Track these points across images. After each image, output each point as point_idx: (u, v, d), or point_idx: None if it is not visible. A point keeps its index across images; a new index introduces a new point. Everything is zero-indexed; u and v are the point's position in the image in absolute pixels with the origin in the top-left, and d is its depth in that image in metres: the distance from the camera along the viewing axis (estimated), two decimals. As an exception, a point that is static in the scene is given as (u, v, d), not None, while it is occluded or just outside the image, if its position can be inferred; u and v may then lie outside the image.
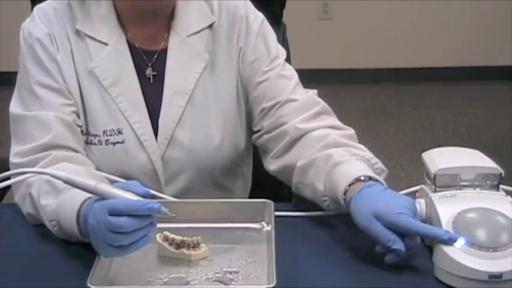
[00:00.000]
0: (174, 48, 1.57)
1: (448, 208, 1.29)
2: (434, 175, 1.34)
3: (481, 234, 1.21)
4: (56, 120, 1.50)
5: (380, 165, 1.47)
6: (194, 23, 1.59)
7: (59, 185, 1.32)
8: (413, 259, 1.28)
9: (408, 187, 1.49)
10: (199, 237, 1.31)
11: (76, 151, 1.51)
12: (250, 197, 1.74)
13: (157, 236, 1.31)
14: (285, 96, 1.57)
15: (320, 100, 1.59)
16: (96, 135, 1.55)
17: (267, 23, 1.63)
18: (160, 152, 1.56)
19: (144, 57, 1.57)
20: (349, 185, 1.34)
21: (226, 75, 1.60)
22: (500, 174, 1.34)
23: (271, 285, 1.16)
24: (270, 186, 1.71)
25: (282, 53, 1.64)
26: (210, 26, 1.59)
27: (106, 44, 1.55)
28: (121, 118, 1.54)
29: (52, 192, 1.35)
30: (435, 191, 1.34)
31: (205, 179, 1.61)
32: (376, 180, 1.34)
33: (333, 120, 1.58)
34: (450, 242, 1.22)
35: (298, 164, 1.49)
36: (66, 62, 1.54)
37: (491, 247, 1.20)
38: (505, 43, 5.10)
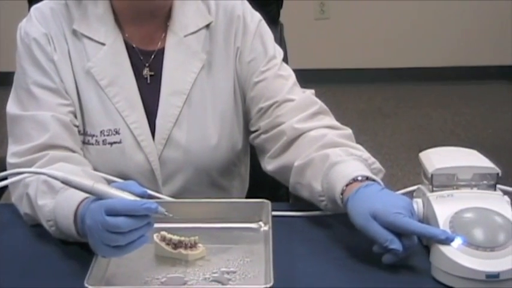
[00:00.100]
0: (171, 48, 1.57)
1: (445, 208, 1.29)
2: (432, 175, 1.34)
3: (478, 234, 1.22)
4: (53, 120, 1.50)
5: (377, 165, 1.47)
6: (191, 23, 1.59)
7: (56, 185, 1.32)
8: (411, 259, 1.28)
9: (405, 187, 1.49)
10: (197, 237, 1.31)
11: (73, 151, 1.51)
12: (247, 197, 1.74)
13: (155, 236, 1.31)
14: (282, 96, 1.57)
15: (317, 100, 1.59)
16: (93, 135, 1.55)
17: (264, 23, 1.63)
18: (157, 152, 1.56)
19: (141, 57, 1.57)
20: (347, 185, 1.34)
21: (224, 75, 1.60)
22: (497, 174, 1.35)
23: (268, 285, 1.16)
24: (268, 186, 1.71)
25: (279, 53, 1.64)
26: (207, 26, 1.59)
27: (103, 44, 1.55)
28: (118, 118, 1.54)
29: (49, 192, 1.35)
30: (432, 191, 1.34)
31: (203, 179, 1.61)
32: (374, 180, 1.34)
33: (330, 120, 1.58)
34: (447, 241, 1.22)
35: (296, 164, 1.49)
36: (63, 62, 1.54)
37: (489, 247, 1.20)
38: (502, 43, 5.10)
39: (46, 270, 1.29)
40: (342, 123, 1.58)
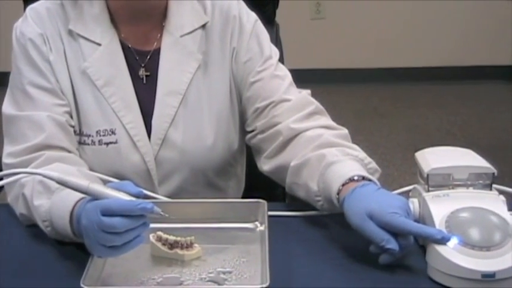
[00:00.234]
0: (167, 49, 1.57)
1: (441, 207, 1.29)
2: (428, 175, 1.34)
3: (474, 234, 1.22)
4: (48, 120, 1.50)
5: (373, 165, 1.47)
6: (187, 23, 1.58)
7: (52, 185, 1.32)
8: (407, 258, 1.28)
9: (401, 187, 1.49)
10: (193, 237, 1.31)
11: (69, 151, 1.51)
12: (243, 197, 1.74)
13: (151, 236, 1.31)
14: (278, 96, 1.57)
15: (313, 100, 1.60)
16: (89, 136, 1.55)
17: (260, 23, 1.63)
18: (153, 152, 1.56)
19: (137, 58, 1.57)
20: (343, 185, 1.34)
21: (220, 75, 1.60)
22: (493, 173, 1.35)
23: (264, 285, 1.16)
24: (264, 186, 1.71)
25: (275, 53, 1.64)
26: (203, 26, 1.59)
27: (99, 44, 1.55)
28: (114, 118, 1.54)
29: (45, 192, 1.35)
30: (428, 191, 1.34)
31: (199, 179, 1.61)
32: (370, 180, 1.35)
33: (327, 120, 1.58)
34: (443, 241, 1.22)
35: (292, 164, 1.49)
36: (59, 62, 1.54)
37: (484, 246, 1.20)
38: (498, 43, 5.11)
39: (42, 271, 1.29)
40: (338, 123, 1.58)
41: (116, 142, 1.54)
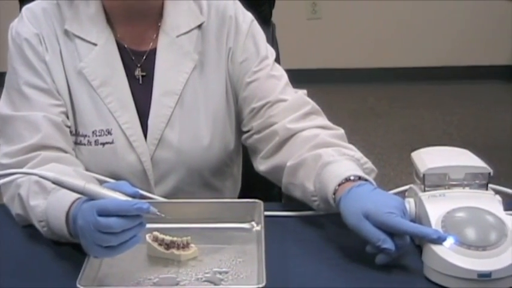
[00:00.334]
0: (163, 49, 1.57)
1: (437, 207, 1.29)
2: (424, 174, 1.34)
3: (470, 233, 1.22)
4: (44, 120, 1.49)
5: (369, 165, 1.47)
6: (183, 23, 1.58)
7: (48, 185, 1.32)
8: (403, 258, 1.28)
9: (397, 186, 1.50)
10: (189, 238, 1.31)
11: (65, 151, 1.51)
12: (240, 197, 1.74)
13: (147, 236, 1.31)
14: (274, 96, 1.57)
15: (310, 100, 1.60)
16: (86, 136, 1.55)
17: (256, 23, 1.63)
18: (149, 152, 1.56)
19: (133, 58, 1.57)
20: (339, 185, 1.34)
21: (216, 75, 1.60)
22: (489, 173, 1.35)
23: (261, 285, 1.16)
24: (260, 186, 1.71)
25: (272, 53, 1.64)
26: (199, 26, 1.59)
27: (95, 44, 1.55)
28: (110, 118, 1.54)
29: (41, 192, 1.35)
30: (424, 191, 1.35)
31: (195, 179, 1.61)
32: (366, 180, 1.35)
33: (323, 120, 1.58)
34: (439, 241, 1.22)
35: (288, 164, 1.49)
36: (55, 62, 1.54)
37: (480, 246, 1.20)
38: (495, 43, 5.12)
39: (38, 271, 1.29)
40: (334, 123, 1.58)
41: (112, 142, 1.54)
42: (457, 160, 1.38)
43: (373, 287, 1.24)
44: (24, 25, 1.54)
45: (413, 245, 1.31)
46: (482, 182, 1.35)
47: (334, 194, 1.34)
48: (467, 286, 1.19)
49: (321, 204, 1.41)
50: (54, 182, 1.24)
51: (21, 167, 1.43)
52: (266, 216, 1.39)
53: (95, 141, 1.54)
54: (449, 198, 1.31)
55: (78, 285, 1.16)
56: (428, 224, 1.27)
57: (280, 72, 1.63)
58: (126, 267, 1.28)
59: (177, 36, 1.58)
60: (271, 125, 1.55)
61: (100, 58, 1.55)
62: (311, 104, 1.58)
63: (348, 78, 5.07)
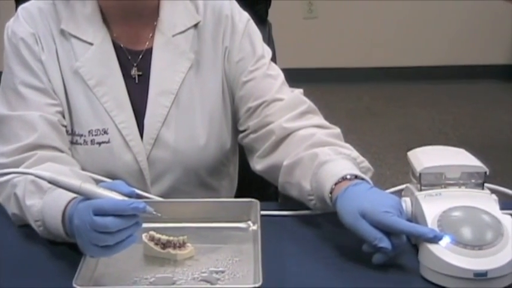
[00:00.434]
0: (159, 48, 1.57)
1: (433, 206, 1.29)
2: (420, 174, 1.34)
3: (466, 233, 1.22)
4: (41, 120, 1.49)
5: (366, 164, 1.48)
6: (179, 23, 1.58)
7: (44, 185, 1.32)
8: (399, 258, 1.28)
9: (394, 186, 1.50)
10: (185, 237, 1.31)
11: (61, 151, 1.51)
12: (236, 197, 1.74)
13: (143, 235, 1.31)
14: (271, 95, 1.57)
15: (306, 99, 1.60)
16: (82, 135, 1.55)
17: (252, 23, 1.63)
18: (145, 151, 1.55)
19: (129, 57, 1.57)
20: (335, 184, 1.34)
21: (212, 74, 1.60)
22: (485, 172, 1.35)
23: (257, 285, 1.16)
24: (256, 186, 1.71)
25: (268, 52, 1.64)
26: (195, 26, 1.59)
27: (91, 43, 1.55)
28: (106, 118, 1.54)
29: (37, 192, 1.35)
30: (420, 190, 1.35)
31: (191, 179, 1.61)
32: (362, 179, 1.35)
33: (319, 119, 1.58)
34: (436, 240, 1.22)
35: (285, 163, 1.49)
36: (51, 62, 1.54)
37: (477, 245, 1.20)
38: (491, 42, 5.12)
39: (34, 271, 1.29)
40: (331, 123, 1.58)
41: (108, 142, 1.54)
42: (453, 159, 1.38)
43: (369, 286, 1.24)
44: (20, 25, 1.54)
45: (409, 244, 1.31)
46: (478, 181, 1.35)
47: (330, 193, 1.34)
48: (464, 285, 1.19)
49: (317, 203, 1.41)
50: (50, 182, 1.24)
51: (17, 167, 1.42)
52: (262, 216, 1.39)
53: (91, 140, 1.54)
54: (445, 198, 1.31)
55: (74, 285, 1.16)
56: (425, 223, 1.27)
57: (276, 71, 1.63)
58: (123, 266, 1.27)
59: (173, 36, 1.58)
60: (268, 124, 1.55)
61: (96, 57, 1.54)
62: (307, 103, 1.58)
63: (344, 77, 5.07)
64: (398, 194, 1.42)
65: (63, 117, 1.54)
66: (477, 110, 4.70)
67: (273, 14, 1.97)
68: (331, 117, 1.62)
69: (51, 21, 1.55)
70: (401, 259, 1.28)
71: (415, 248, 1.29)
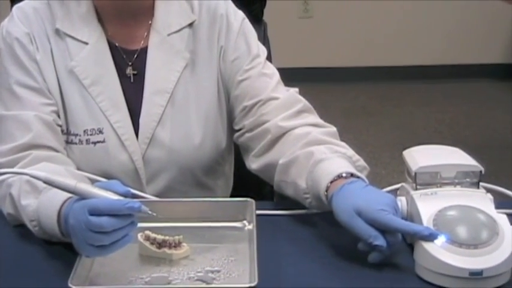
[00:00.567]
0: (154, 47, 1.57)
1: (428, 206, 1.29)
2: (415, 173, 1.34)
3: (462, 232, 1.22)
4: (36, 119, 1.49)
5: (362, 162, 1.48)
6: (174, 22, 1.58)
7: (39, 185, 1.31)
8: (395, 257, 1.28)
9: (389, 185, 1.50)
10: (181, 237, 1.31)
11: (56, 151, 1.50)
12: (232, 196, 1.74)
13: (139, 235, 1.31)
14: (266, 94, 1.57)
15: (301, 98, 1.60)
16: (77, 135, 1.54)
17: (247, 22, 1.63)
18: (141, 151, 1.55)
19: (124, 56, 1.57)
20: (331, 182, 1.34)
21: (207, 74, 1.60)
22: (481, 171, 1.35)
23: (253, 284, 1.16)
24: (252, 185, 1.71)
25: (263, 51, 1.64)
26: (191, 25, 1.59)
27: (86, 43, 1.54)
28: (101, 117, 1.54)
29: (32, 192, 1.34)
30: (416, 189, 1.35)
31: (187, 178, 1.61)
32: (358, 177, 1.35)
33: (315, 118, 1.58)
34: (431, 238, 1.22)
35: (280, 162, 1.49)
36: (46, 62, 1.54)
37: (472, 244, 1.20)
38: (486, 42, 5.13)
39: (30, 271, 1.29)
40: (326, 122, 1.58)
41: (103, 141, 1.54)
42: (449, 158, 1.38)
43: (365, 285, 1.24)
44: (14, 24, 1.54)
45: (405, 243, 1.31)
46: (473, 180, 1.36)
47: (326, 191, 1.34)
48: (459, 284, 1.19)
49: (313, 201, 1.41)
50: (45, 182, 1.23)
51: (12, 167, 1.42)
52: (258, 215, 1.39)
53: (86, 140, 1.54)
54: (440, 197, 1.31)
55: (69, 285, 1.16)
56: (420, 223, 1.27)
57: (271, 70, 1.63)
58: (118, 266, 1.27)
59: (168, 35, 1.57)
60: (263, 123, 1.55)
61: (91, 57, 1.54)
62: (303, 102, 1.58)
63: (340, 76, 5.07)
64: (394, 193, 1.42)
65: (58, 116, 1.54)
66: (472, 109, 4.70)
67: (269, 14, 1.97)
68: (326, 116, 1.62)
69: (46, 20, 1.55)
70: (397, 258, 1.28)
71: (411, 247, 1.29)
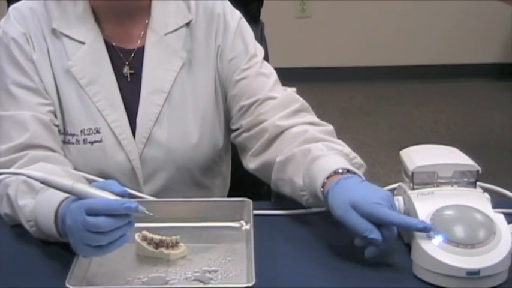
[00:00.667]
0: (151, 47, 1.57)
1: (426, 205, 1.29)
2: (412, 173, 1.34)
3: (459, 231, 1.22)
4: (32, 119, 1.49)
5: (358, 160, 1.48)
6: (171, 21, 1.58)
7: (36, 185, 1.31)
8: (392, 256, 1.28)
9: (386, 185, 1.49)
10: (178, 237, 1.31)
11: (53, 151, 1.50)
12: (229, 196, 1.74)
13: (136, 235, 1.31)
14: (264, 94, 1.57)
15: (299, 97, 1.60)
16: (74, 135, 1.54)
17: (244, 21, 1.63)
18: (138, 150, 1.55)
19: (121, 55, 1.57)
20: (327, 178, 1.34)
21: (204, 73, 1.60)
22: (478, 171, 1.35)
23: (250, 284, 1.16)
24: (249, 185, 1.71)
25: (260, 51, 1.64)
26: (188, 24, 1.59)
27: (83, 42, 1.54)
28: (98, 117, 1.54)
29: (29, 192, 1.34)
30: (413, 189, 1.35)
31: (184, 178, 1.61)
32: (354, 173, 1.35)
33: (312, 117, 1.58)
34: (426, 230, 1.23)
35: (277, 159, 1.49)
36: (43, 62, 1.53)
37: (469, 244, 1.20)
38: (483, 41, 5.13)
39: (27, 271, 1.29)
40: (323, 122, 1.58)
41: (100, 141, 1.54)
42: (446, 158, 1.38)
43: (362, 285, 1.24)
44: (11, 24, 1.54)
45: (402, 243, 1.32)
46: (470, 180, 1.36)
47: (322, 187, 1.34)
48: (456, 284, 1.19)
49: (309, 199, 1.41)
50: (42, 182, 1.23)
51: (9, 167, 1.42)
52: (255, 215, 1.39)
53: (83, 140, 1.54)
54: (438, 196, 1.31)
55: (67, 285, 1.15)
56: (417, 222, 1.27)
57: (269, 70, 1.63)
58: (115, 266, 1.27)
59: (165, 34, 1.57)
60: (261, 122, 1.55)
61: (88, 56, 1.54)
62: (300, 102, 1.58)
63: (337, 76, 5.07)
64: (391, 192, 1.42)
65: (55, 116, 1.54)
66: (469, 109, 4.71)
67: (266, 14, 1.96)
68: (323, 116, 1.62)
69: (43, 20, 1.55)
70: (394, 258, 1.28)
71: (408, 247, 1.29)
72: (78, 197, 1.21)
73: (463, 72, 5.11)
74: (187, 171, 1.60)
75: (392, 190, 1.45)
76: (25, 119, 1.49)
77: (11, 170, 1.39)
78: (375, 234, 1.23)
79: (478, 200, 1.31)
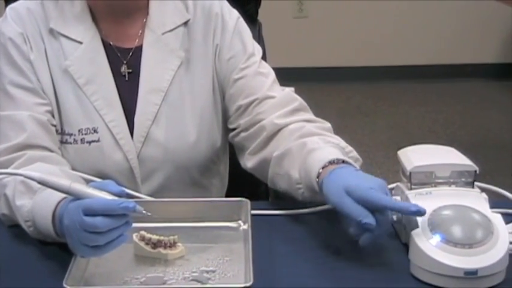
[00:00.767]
0: (149, 46, 1.57)
1: (423, 205, 1.28)
2: (410, 172, 1.34)
3: (457, 231, 1.22)
4: (30, 119, 1.49)
5: (354, 153, 1.48)
6: (169, 21, 1.58)
7: (34, 185, 1.31)
8: (390, 256, 1.28)
9: (384, 185, 1.50)
10: (176, 237, 1.31)
11: (51, 151, 1.50)
12: (227, 195, 1.73)
13: (134, 235, 1.31)
14: (262, 93, 1.57)
15: (297, 97, 1.60)
16: (72, 134, 1.54)
17: (242, 20, 1.63)
18: (136, 150, 1.55)
19: (119, 55, 1.57)
20: (322, 168, 1.34)
21: (202, 72, 1.60)
22: (475, 171, 1.35)
23: (248, 284, 1.16)
24: (247, 184, 1.71)
25: (258, 50, 1.64)
26: (185, 24, 1.59)
27: (80, 42, 1.54)
28: (96, 117, 1.54)
29: (27, 192, 1.34)
30: (411, 189, 1.35)
31: (182, 177, 1.61)
32: (350, 165, 1.35)
33: (310, 116, 1.58)
34: (419, 214, 1.23)
35: (274, 155, 1.49)
36: (40, 61, 1.53)
37: (467, 244, 1.20)
38: (481, 41, 5.13)
39: (24, 271, 1.28)
40: (321, 121, 1.58)
41: (98, 140, 1.54)
42: (443, 158, 1.38)
43: (360, 285, 1.24)
44: (8, 24, 1.54)
45: (399, 243, 1.32)
46: (468, 179, 1.36)
47: (317, 177, 1.34)
48: (454, 284, 1.20)
49: (305, 192, 1.41)
50: (39, 182, 1.23)
51: (7, 167, 1.42)
52: (253, 215, 1.39)
53: (81, 139, 1.54)
54: (435, 196, 1.31)
55: (64, 285, 1.15)
56: (415, 222, 1.27)
57: (267, 69, 1.63)
58: (113, 266, 1.27)
59: (163, 34, 1.57)
60: (259, 121, 1.55)
61: (85, 56, 1.54)
62: (299, 101, 1.58)
63: (334, 76, 5.07)
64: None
65: (53, 116, 1.54)
66: (467, 109, 4.71)
67: (263, 14, 1.97)
68: (321, 116, 1.61)
69: (40, 20, 1.55)
70: (392, 258, 1.28)
71: (406, 247, 1.29)
72: (76, 197, 1.21)
73: (460, 72, 5.12)
74: (185, 170, 1.60)
75: (390, 190, 1.45)
76: (22, 119, 1.49)
77: (9, 170, 1.38)
78: (369, 219, 1.23)
79: (476, 200, 1.31)
